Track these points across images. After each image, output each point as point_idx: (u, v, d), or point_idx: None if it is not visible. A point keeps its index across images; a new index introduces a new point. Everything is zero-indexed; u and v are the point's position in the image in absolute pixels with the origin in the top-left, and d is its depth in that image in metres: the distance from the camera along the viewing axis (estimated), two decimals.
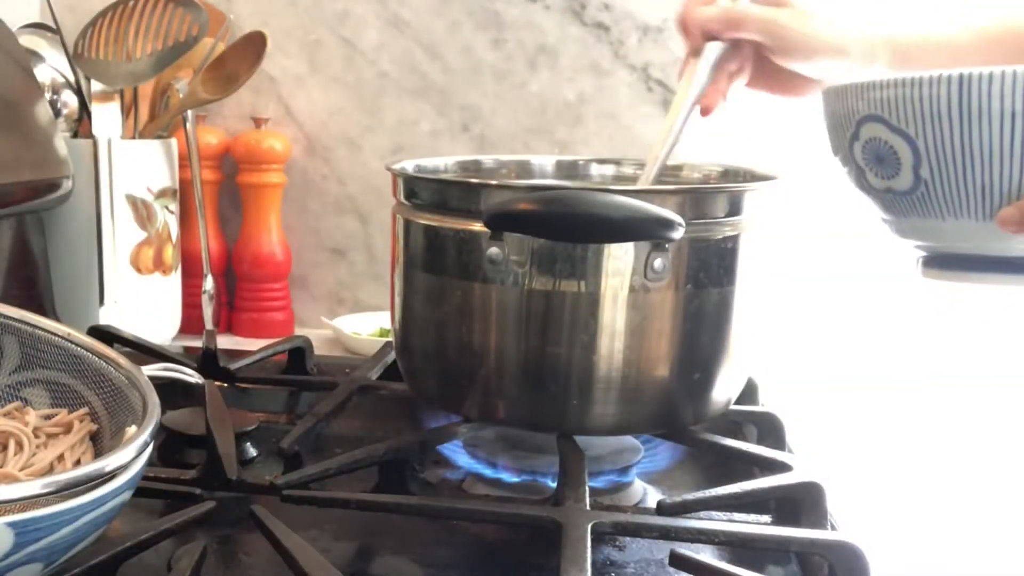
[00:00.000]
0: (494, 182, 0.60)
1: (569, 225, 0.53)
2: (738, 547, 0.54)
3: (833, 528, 0.55)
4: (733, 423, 0.72)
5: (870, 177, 0.51)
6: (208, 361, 0.78)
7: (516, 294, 0.57)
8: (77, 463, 0.51)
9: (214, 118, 1.05)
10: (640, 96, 1.00)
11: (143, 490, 0.52)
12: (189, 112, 0.91)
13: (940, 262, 0.52)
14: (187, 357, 0.79)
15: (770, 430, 0.68)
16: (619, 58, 0.99)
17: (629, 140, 1.00)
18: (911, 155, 0.47)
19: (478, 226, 0.56)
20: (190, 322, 0.98)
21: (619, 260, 0.56)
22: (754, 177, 0.67)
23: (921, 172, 0.48)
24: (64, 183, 0.82)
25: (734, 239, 0.58)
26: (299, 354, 0.84)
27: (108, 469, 0.42)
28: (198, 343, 0.81)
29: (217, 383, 0.71)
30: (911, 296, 0.98)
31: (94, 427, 0.54)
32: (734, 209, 0.59)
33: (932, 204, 0.48)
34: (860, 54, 0.61)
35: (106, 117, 0.91)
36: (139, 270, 0.92)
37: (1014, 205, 0.46)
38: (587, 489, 0.55)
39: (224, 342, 0.98)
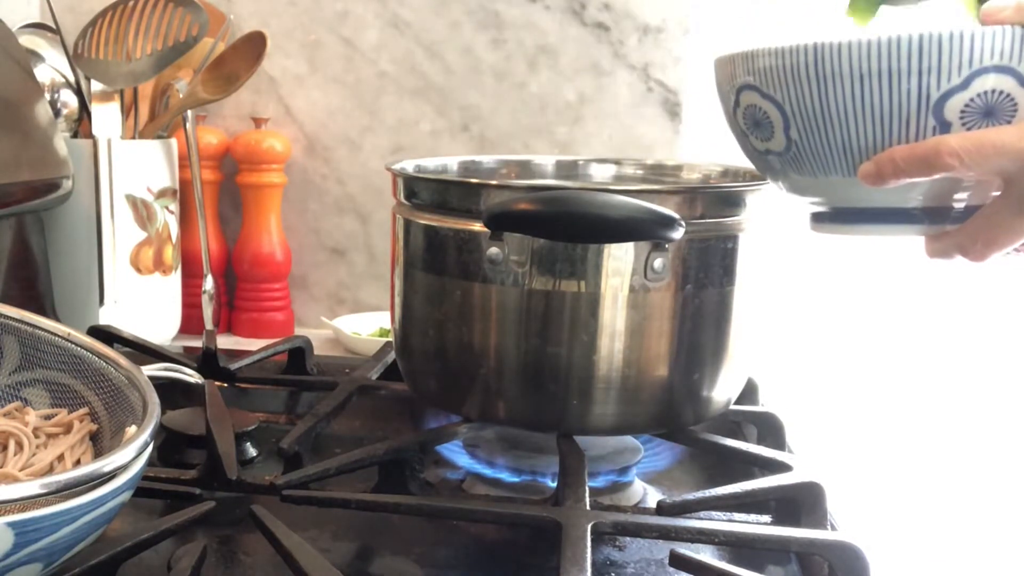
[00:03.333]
0: (494, 182, 0.60)
1: (569, 225, 0.53)
2: (738, 547, 0.54)
3: (833, 528, 0.55)
4: (733, 423, 0.72)
5: (752, 140, 0.54)
6: (208, 361, 0.78)
7: (516, 294, 0.57)
8: (77, 463, 0.51)
9: (214, 118, 1.04)
10: (640, 96, 1.00)
11: (143, 490, 0.53)
12: (189, 112, 0.91)
13: (826, 217, 0.55)
14: (187, 357, 0.79)
15: (770, 430, 0.68)
16: (619, 58, 0.99)
17: (629, 140, 1.00)
18: (781, 119, 0.51)
19: (478, 226, 0.56)
20: (190, 322, 0.98)
21: (619, 260, 0.56)
22: (754, 177, 0.67)
23: (791, 134, 0.51)
24: (64, 183, 0.82)
25: (734, 239, 0.58)
26: (299, 354, 0.84)
27: (108, 469, 0.42)
28: (198, 343, 0.81)
29: (217, 383, 0.71)
30: (910, 294, 0.98)
31: (94, 427, 0.54)
32: (734, 209, 0.59)
33: (804, 163, 0.52)
34: None
35: (106, 117, 0.91)
36: (139, 270, 0.92)
37: (871, 160, 0.49)
38: (587, 489, 0.55)
39: (224, 342, 0.98)
